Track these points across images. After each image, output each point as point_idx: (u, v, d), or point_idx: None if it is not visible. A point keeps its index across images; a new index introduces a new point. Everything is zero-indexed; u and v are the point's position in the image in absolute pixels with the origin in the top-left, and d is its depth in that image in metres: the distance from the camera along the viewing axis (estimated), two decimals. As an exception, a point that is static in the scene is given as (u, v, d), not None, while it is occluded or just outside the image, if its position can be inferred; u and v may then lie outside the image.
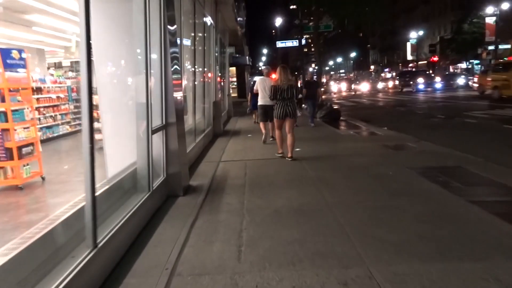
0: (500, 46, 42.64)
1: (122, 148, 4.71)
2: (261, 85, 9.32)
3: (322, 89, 48.08)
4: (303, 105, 14.27)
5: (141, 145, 4.35)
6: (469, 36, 44.80)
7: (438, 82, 35.72)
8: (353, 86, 48.62)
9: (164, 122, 5.04)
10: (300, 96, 12.51)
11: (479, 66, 48.16)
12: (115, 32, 4.48)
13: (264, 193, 5.21)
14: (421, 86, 35.97)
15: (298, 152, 8.15)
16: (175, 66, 5.34)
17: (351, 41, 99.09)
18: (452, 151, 7.53)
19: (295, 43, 22.67)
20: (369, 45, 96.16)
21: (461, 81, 35.70)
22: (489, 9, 41.78)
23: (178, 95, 5.43)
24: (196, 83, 9.77)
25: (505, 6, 40.47)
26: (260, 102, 9.39)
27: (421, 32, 59.97)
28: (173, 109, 5.09)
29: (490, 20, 41.73)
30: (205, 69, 11.29)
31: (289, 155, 7.31)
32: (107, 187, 4.05)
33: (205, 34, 11.00)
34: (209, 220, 4.26)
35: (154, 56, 4.85)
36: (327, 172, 6.26)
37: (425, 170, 6.08)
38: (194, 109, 8.17)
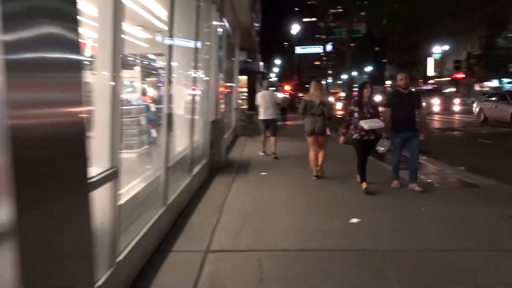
0: (539, 64, 38.72)
1: None
2: (262, 99, 9.08)
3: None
4: (384, 142, 6.07)
5: None
6: (504, 52, 40.75)
7: None
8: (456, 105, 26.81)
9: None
10: (369, 124, 5.79)
11: (511, 85, 44.22)
12: None
13: None
14: None
15: (359, 227, 4.29)
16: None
17: (367, 54, 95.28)
18: None
19: (318, 49, 19.06)
20: (385, 60, 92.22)
21: None
22: (528, 24, 37.85)
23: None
24: (181, 94, 6.07)
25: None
26: (261, 117, 9.17)
27: (446, 47, 56.07)
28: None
29: (529, 35, 37.77)
30: (199, 74, 7.59)
31: (314, 173, 6.86)
32: None
33: (201, 22, 7.29)
34: None
35: None
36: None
37: None
38: (167, 143, 4.36)
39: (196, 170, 6.16)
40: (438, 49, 57.28)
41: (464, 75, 53.29)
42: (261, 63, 21.81)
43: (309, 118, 6.73)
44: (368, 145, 6.02)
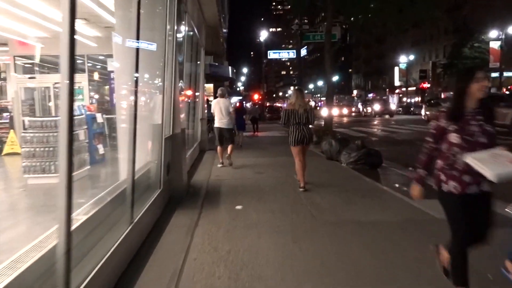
0: (505, 74, 39.14)
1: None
2: (217, 106, 8.84)
3: None
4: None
5: None
6: (470, 61, 41.03)
7: None
8: None
9: None
10: (500, 170, 2.41)
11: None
12: None
13: None
14: None
15: None
16: None
17: (332, 64, 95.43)
18: None
19: (291, 53, 17.58)
20: (350, 70, 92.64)
21: None
22: (493, 33, 38.25)
23: None
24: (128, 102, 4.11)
25: (511, 30, 36.94)
26: (216, 124, 9.00)
27: (412, 57, 56.49)
28: None
29: (494, 45, 38.12)
30: (155, 78, 5.66)
31: (302, 185, 6.53)
32: None
33: (151, 10, 5.38)
34: None
35: None
36: None
37: None
38: (68, 186, 2.38)
39: (140, 213, 4.16)
40: (404, 59, 57.56)
41: (429, 85, 53.74)
42: (230, 68, 19.92)
43: (295, 127, 6.54)
44: (479, 205, 2.65)
